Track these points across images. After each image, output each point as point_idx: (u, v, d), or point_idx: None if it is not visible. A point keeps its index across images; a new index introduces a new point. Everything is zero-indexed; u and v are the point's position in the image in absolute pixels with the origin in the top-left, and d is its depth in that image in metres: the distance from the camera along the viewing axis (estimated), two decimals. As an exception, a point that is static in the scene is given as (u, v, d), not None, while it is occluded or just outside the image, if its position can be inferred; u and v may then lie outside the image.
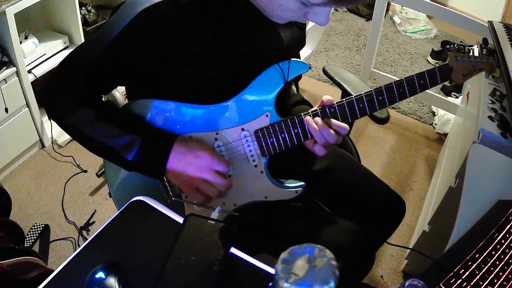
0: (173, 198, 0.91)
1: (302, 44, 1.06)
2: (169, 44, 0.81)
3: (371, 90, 0.87)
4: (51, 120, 0.87)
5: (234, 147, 0.89)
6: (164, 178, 0.90)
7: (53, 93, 0.85)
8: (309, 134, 0.88)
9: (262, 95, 0.87)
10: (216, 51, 0.85)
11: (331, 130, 0.85)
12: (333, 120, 0.86)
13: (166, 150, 0.81)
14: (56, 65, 0.86)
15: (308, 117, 0.86)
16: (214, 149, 0.88)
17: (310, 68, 0.89)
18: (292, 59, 0.88)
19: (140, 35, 0.79)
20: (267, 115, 0.88)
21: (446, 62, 0.90)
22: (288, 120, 0.88)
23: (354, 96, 0.87)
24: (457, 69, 0.90)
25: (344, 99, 0.87)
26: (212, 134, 0.88)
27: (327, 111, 0.87)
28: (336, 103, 0.87)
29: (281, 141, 0.89)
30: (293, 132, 0.88)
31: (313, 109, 0.89)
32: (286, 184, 0.93)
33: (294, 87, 1.11)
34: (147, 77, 0.86)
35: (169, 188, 0.92)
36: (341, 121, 0.88)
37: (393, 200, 1.09)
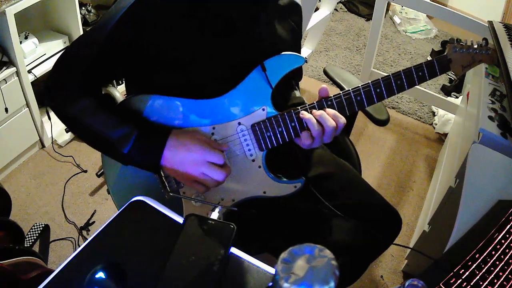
0: (171, 194, 0.92)
1: (299, 37, 1.07)
2: (164, 35, 0.82)
3: (369, 83, 0.87)
4: (51, 112, 0.87)
5: (231, 141, 0.90)
6: (162, 173, 0.91)
7: (56, 80, 0.86)
8: (306, 127, 0.88)
9: (259, 88, 0.88)
10: (212, 47, 0.86)
11: (328, 117, 0.84)
12: (331, 110, 0.86)
13: (160, 145, 0.82)
14: (63, 51, 0.88)
15: (303, 110, 0.86)
16: (210, 139, 0.88)
17: (306, 61, 0.89)
18: (286, 52, 0.88)
19: (138, 21, 0.81)
20: (263, 109, 0.88)
21: (445, 53, 0.89)
22: (285, 113, 0.88)
23: (352, 89, 0.87)
24: (456, 60, 0.89)
25: (341, 92, 0.87)
26: (209, 128, 0.89)
27: (324, 103, 0.87)
28: (333, 95, 0.87)
29: (278, 134, 0.89)
30: (290, 126, 0.88)
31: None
32: (284, 179, 0.93)
33: (297, 92, 1.10)
34: (146, 68, 0.86)
35: (166, 184, 0.92)
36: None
37: (389, 216, 1.07)
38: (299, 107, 0.87)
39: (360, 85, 0.87)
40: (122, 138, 0.81)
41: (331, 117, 0.84)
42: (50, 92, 0.86)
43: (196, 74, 0.87)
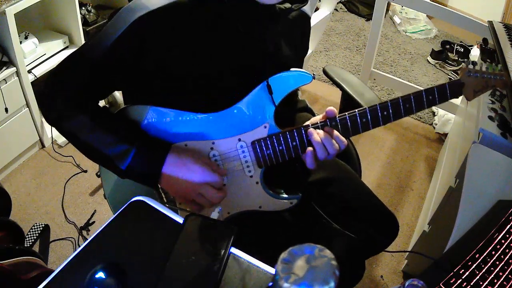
0: (167, 205, 0.90)
1: (305, 49, 1.05)
2: (165, 51, 0.81)
3: (376, 105, 0.84)
4: (48, 123, 0.86)
5: (230, 157, 0.88)
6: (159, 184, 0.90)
7: (50, 97, 0.84)
8: (307, 147, 0.86)
9: (262, 106, 0.86)
10: (214, 59, 0.85)
11: (334, 141, 0.83)
12: (334, 132, 0.84)
13: (160, 162, 0.81)
14: (55, 66, 0.86)
15: (311, 129, 0.84)
16: (209, 159, 0.87)
17: (314, 78, 0.86)
18: (294, 69, 0.86)
19: (135, 44, 0.80)
20: (265, 126, 0.86)
21: (458, 77, 0.87)
22: (287, 132, 0.86)
23: (357, 110, 0.85)
24: (468, 84, 0.86)
25: (347, 113, 0.85)
26: (208, 143, 0.87)
27: (328, 124, 0.85)
28: (338, 116, 0.85)
29: (278, 153, 0.87)
30: (291, 145, 0.86)
31: (313, 119, 0.88)
32: (281, 195, 0.92)
33: (299, 91, 1.10)
34: (143, 82, 0.86)
35: (163, 195, 0.91)
36: (342, 135, 0.85)
37: (386, 220, 1.07)
38: (301, 126, 0.86)
39: (366, 108, 0.84)
40: (120, 155, 0.80)
41: (334, 140, 0.83)
42: (45, 105, 0.85)
43: (198, 84, 0.86)
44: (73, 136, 0.83)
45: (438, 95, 0.85)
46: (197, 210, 0.86)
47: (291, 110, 1.14)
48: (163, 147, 0.83)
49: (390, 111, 0.84)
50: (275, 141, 0.86)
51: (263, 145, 0.87)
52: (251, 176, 0.90)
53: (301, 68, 0.98)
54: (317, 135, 0.84)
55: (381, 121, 0.85)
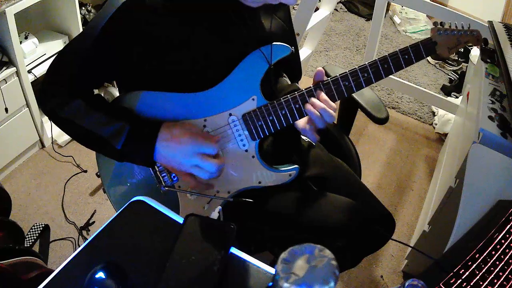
0: (166, 188, 0.92)
1: (286, 32, 1.06)
2: (151, 36, 0.82)
3: (355, 68, 0.88)
4: (45, 115, 0.88)
5: (223, 132, 0.90)
6: (156, 168, 0.92)
7: (47, 86, 0.87)
8: (297, 115, 0.89)
9: (247, 79, 0.88)
10: (200, 40, 0.86)
11: (326, 107, 0.85)
12: (322, 96, 0.87)
13: (152, 137, 0.82)
14: (52, 60, 0.89)
15: (307, 104, 0.87)
16: (201, 130, 0.88)
17: (293, 52, 0.90)
18: (274, 43, 0.89)
19: (121, 30, 0.81)
20: (253, 99, 0.89)
21: (429, 36, 0.91)
22: (275, 102, 0.89)
23: (339, 75, 0.88)
24: (441, 43, 0.90)
25: (329, 78, 0.88)
26: (201, 121, 0.89)
27: (313, 91, 0.88)
28: (321, 82, 0.88)
29: (270, 123, 0.90)
30: (280, 114, 0.89)
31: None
32: (279, 168, 0.93)
33: (287, 79, 1.11)
34: (134, 67, 0.87)
35: (161, 178, 0.92)
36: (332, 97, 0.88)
37: (383, 219, 1.08)
38: (288, 95, 0.88)
39: (347, 71, 0.88)
40: (114, 134, 0.82)
41: (325, 105, 0.86)
42: (42, 97, 0.87)
43: (187, 62, 0.87)
44: (70, 123, 0.85)
45: (413, 53, 0.89)
46: (196, 186, 0.86)
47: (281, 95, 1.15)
48: (155, 124, 0.84)
49: (370, 72, 0.88)
50: (264, 111, 0.89)
51: (253, 116, 0.89)
52: (246, 150, 0.92)
53: (296, 47, 1.00)
54: (310, 105, 0.87)
55: (363, 83, 0.88)
